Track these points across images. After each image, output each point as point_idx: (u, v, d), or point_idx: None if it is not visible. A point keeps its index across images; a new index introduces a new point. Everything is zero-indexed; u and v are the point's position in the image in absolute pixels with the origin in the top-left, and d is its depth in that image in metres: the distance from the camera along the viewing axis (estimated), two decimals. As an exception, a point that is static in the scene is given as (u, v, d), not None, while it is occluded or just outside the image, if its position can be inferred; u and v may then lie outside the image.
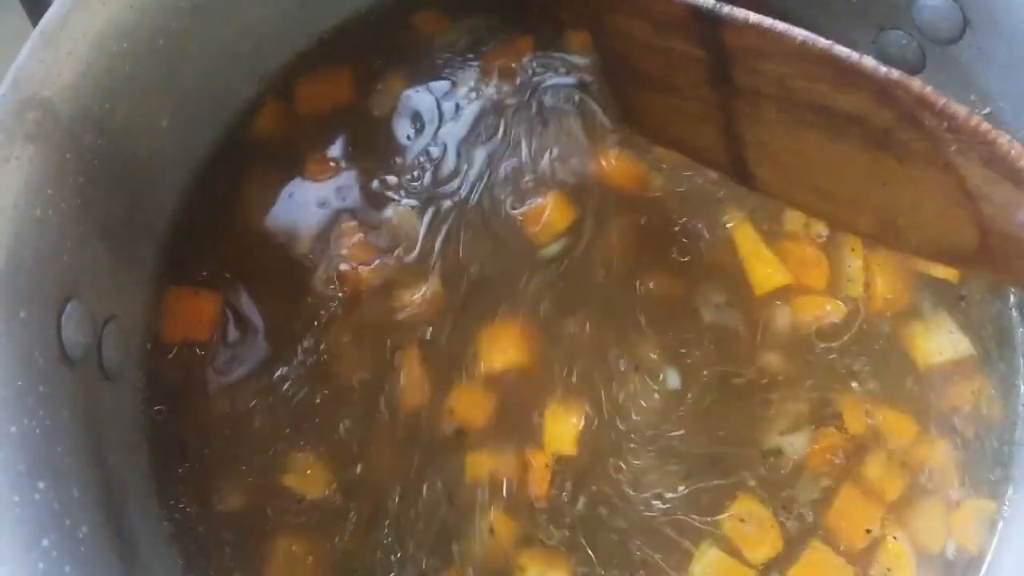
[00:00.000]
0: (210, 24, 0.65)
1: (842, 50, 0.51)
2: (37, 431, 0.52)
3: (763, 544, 0.65)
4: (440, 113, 0.76)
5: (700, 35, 0.57)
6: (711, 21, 0.55)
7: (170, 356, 0.68)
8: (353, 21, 0.78)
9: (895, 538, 0.66)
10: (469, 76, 0.78)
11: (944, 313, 0.71)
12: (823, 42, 0.52)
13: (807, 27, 0.74)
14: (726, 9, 0.55)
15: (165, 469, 0.66)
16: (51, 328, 0.55)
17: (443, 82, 0.78)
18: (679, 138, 0.70)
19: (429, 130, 0.76)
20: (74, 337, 0.56)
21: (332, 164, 0.74)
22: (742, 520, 0.65)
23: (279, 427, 0.67)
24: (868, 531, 0.66)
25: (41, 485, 0.51)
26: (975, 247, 0.53)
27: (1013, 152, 0.47)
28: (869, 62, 0.50)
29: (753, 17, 0.54)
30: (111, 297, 0.63)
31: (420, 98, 0.77)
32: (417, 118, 0.76)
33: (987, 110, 0.67)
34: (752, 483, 0.66)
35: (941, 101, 0.48)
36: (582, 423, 0.67)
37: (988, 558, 0.67)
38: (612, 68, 0.72)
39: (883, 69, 0.49)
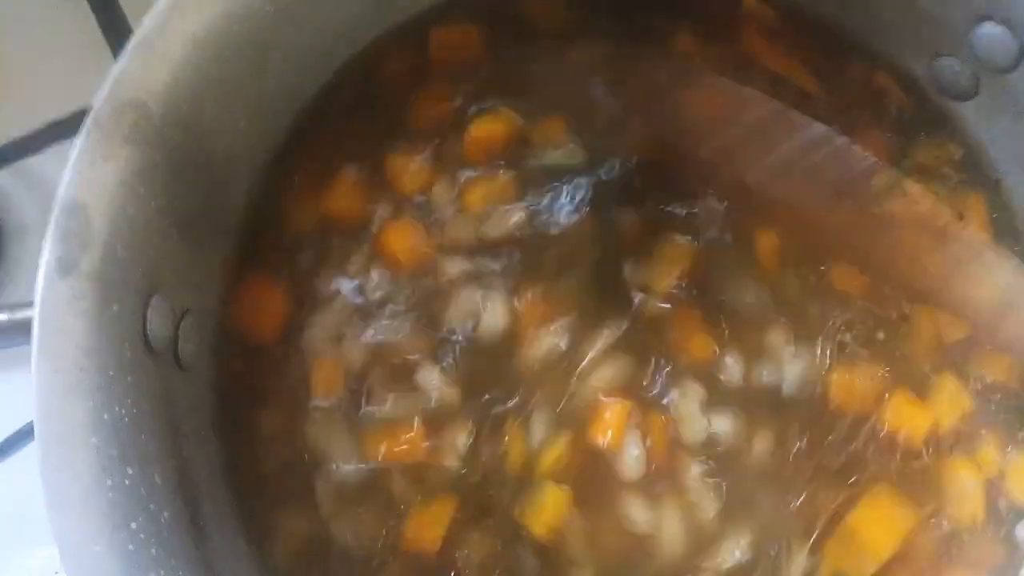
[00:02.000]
0: (291, 31, 0.68)
1: None
2: (126, 419, 0.54)
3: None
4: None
5: None
6: None
7: (239, 350, 0.70)
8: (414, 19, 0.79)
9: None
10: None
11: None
12: None
13: (862, 52, 0.77)
14: None
15: (234, 462, 0.68)
16: (138, 320, 0.57)
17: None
18: None
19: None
20: (158, 329, 0.59)
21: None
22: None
23: (348, 426, 0.69)
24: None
25: (130, 471, 0.53)
26: None
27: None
28: None
29: None
30: (187, 291, 0.65)
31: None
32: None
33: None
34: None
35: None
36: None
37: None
38: None
39: None
